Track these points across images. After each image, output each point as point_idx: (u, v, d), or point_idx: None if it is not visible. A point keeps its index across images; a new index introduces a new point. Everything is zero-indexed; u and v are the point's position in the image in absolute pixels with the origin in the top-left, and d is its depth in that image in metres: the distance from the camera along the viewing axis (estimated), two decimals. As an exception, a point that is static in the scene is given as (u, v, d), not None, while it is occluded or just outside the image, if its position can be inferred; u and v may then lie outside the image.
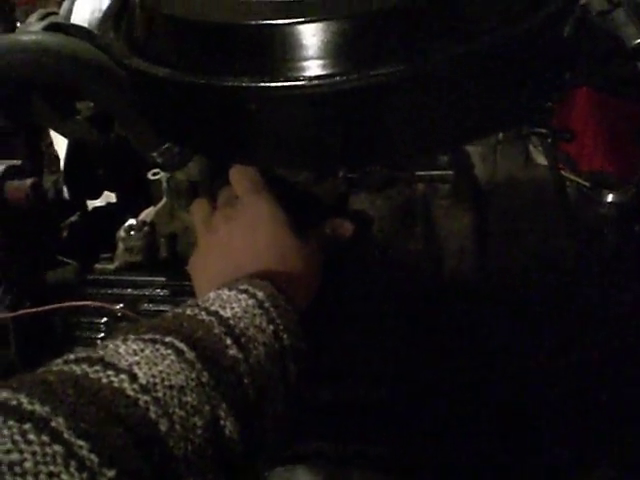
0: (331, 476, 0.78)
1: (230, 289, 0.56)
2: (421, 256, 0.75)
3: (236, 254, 0.66)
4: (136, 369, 0.44)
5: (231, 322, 0.52)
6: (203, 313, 0.52)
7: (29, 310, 0.73)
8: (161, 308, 0.76)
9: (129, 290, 0.78)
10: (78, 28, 0.81)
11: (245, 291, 0.56)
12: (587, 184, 0.77)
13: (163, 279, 0.78)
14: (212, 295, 0.56)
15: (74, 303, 0.74)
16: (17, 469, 0.34)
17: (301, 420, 0.71)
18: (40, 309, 0.72)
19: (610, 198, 0.76)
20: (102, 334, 0.77)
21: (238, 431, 0.47)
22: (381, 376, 0.75)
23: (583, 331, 0.72)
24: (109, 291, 0.78)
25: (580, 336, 0.72)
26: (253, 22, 0.58)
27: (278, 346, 0.54)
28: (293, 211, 0.69)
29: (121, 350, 0.46)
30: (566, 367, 0.72)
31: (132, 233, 0.79)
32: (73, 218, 0.94)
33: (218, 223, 0.69)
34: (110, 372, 0.43)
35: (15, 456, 0.35)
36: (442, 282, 0.75)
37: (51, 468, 0.35)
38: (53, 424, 0.37)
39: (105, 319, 0.77)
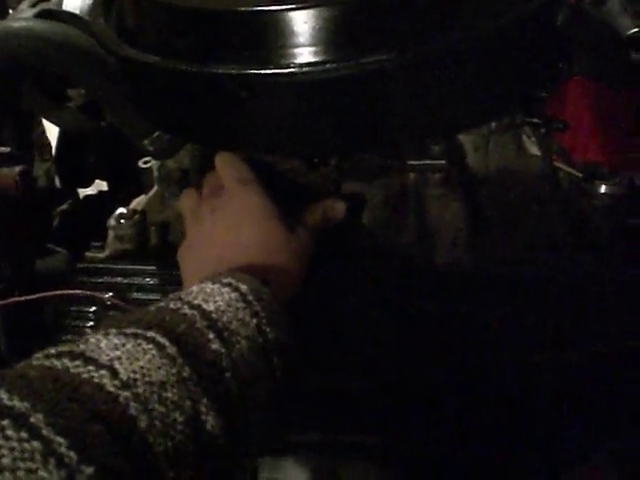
0: (321, 466, 0.78)
1: (214, 282, 0.56)
2: (413, 245, 0.75)
3: (221, 246, 0.65)
4: (117, 364, 0.44)
5: (214, 316, 0.52)
6: (186, 307, 0.52)
7: (18, 298, 0.73)
8: (151, 297, 0.76)
9: (119, 279, 0.77)
10: (70, 15, 0.80)
11: (228, 284, 0.56)
12: (580, 175, 0.77)
13: (153, 268, 0.77)
14: (195, 288, 0.56)
15: (64, 292, 0.74)
16: None
17: (290, 410, 0.71)
18: (29, 297, 0.72)
19: (603, 189, 0.76)
20: (91, 323, 0.76)
21: (220, 426, 0.47)
22: (372, 366, 0.75)
23: (577, 322, 0.72)
24: (99, 280, 0.78)
25: (575, 326, 0.72)
26: (244, 9, 0.58)
27: (262, 339, 0.54)
28: (283, 200, 0.68)
29: (102, 345, 0.45)
30: (562, 359, 0.72)
31: (123, 221, 0.79)
32: (64, 206, 0.94)
33: (204, 213, 0.69)
34: (91, 367, 0.42)
35: None
36: (434, 271, 0.75)
37: (29, 464, 0.35)
38: (32, 420, 0.37)
39: (94, 308, 0.76)
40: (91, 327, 0.75)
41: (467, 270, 0.75)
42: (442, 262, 0.75)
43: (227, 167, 0.70)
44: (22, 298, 0.71)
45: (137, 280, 0.77)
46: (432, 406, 0.75)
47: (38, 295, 0.71)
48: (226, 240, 0.65)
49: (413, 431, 0.76)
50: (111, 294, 0.75)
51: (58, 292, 0.73)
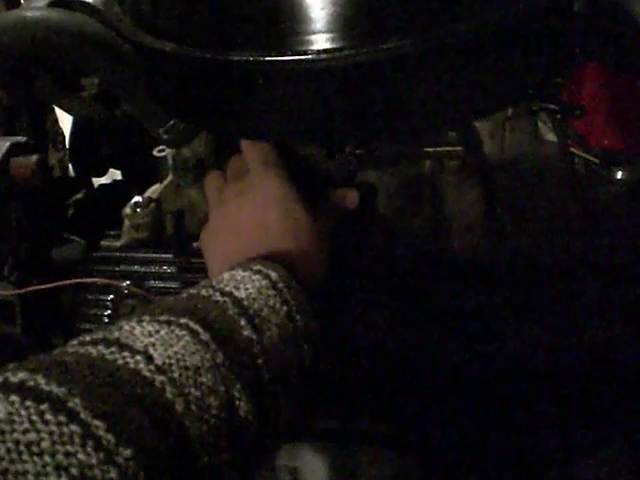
0: (338, 453, 0.78)
1: (244, 270, 0.56)
2: (429, 232, 0.75)
3: (246, 231, 0.65)
4: (152, 350, 0.44)
5: (245, 303, 0.52)
6: (217, 294, 0.52)
7: (36, 287, 0.73)
8: (168, 285, 0.76)
9: (136, 267, 0.78)
10: (83, 3, 0.80)
11: (259, 272, 0.56)
12: (596, 161, 0.76)
13: (170, 256, 0.78)
14: (226, 276, 0.56)
15: (81, 280, 0.74)
16: (34, 449, 0.34)
17: (310, 398, 0.71)
18: (47, 286, 0.72)
19: (620, 175, 0.75)
20: (108, 311, 0.76)
21: (252, 411, 0.47)
22: (387, 354, 0.75)
23: (593, 307, 0.72)
24: (116, 268, 0.78)
25: (590, 314, 0.72)
26: (261, -5, 0.57)
27: (292, 327, 0.54)
28: (303, 187, 0.68)
29: (136, 332, 0.46)
30: (577, 346, 0.72)
31: (138, 210, 0.79)
32: (79, 195, 0.94)
33: (229, 197, 0.69)
34: (126, 353, 0.43)
35: (32, 436, 0.35)
36: (450, 259, 0.74)
37: (68, 448, 0.35)
38: (70, 404, 0.37)
39: (111, 296, 0.77)
40: (108, 315, 0.76)
41: (483, 256, 0.75)
42: (458, 249, 0.75)
43: (252, 150, 0.70)
44: (40, 286, 0.72)
45: (154, 268, 0.78)
46: (449, 393, 0.75)
47: (56, 283, 0.71)
48: (251, 224, 0.65)
49: (430, 418, 0.76)
50: (128, 282, 0.75)
51: (76, 280, 0.73)
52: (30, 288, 0.73)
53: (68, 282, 0.73)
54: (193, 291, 0.54)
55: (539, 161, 0.76)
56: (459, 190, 0.75)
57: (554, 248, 0.74)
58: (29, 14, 0.68)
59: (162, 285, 0.76)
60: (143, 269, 0.78)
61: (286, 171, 0.68)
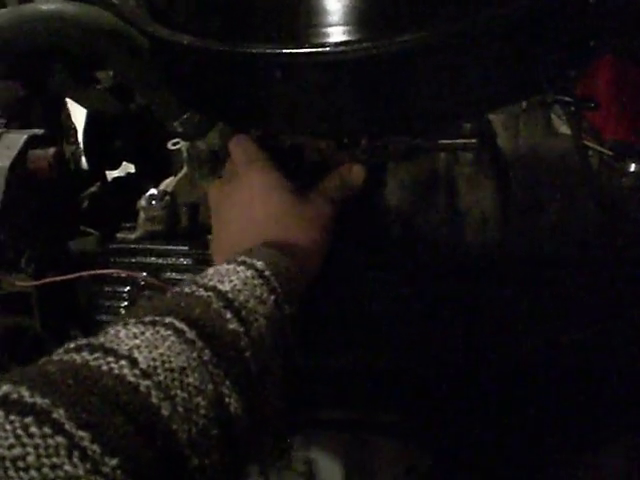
0: (351, 444, 0.78)
1: (229, 263, 0.56)
2: (443, 225, 0.75)
3: (237, 229, 0.66)
4: (136, 353, 0.43)
5: (230, 295, 0.52)
6: (201, 289, 0.52)
7: (53, 279, 0.73)
8: (184, 277, 0.77)
9: (152, 259, 0.78)
10: (98, -4, 0.80)
11: (243, 262, 0.55)
12: (610, 153, 0.76)
13: (185, 248, 0.78)
14: (210, 271, 0.56)
15: (98, 271, 0.74)
16: (20, 464, 0.34)
17: (320, 389, 0.72)
18: (64, 277, 0.72)
19: (633, 168, 0.75)
20: (125, 302, 0.77)
21: (242, 407, 0.47)
22: (401, 347, 0.75)
23: (606, 302, 0.72)
24: (132, 260, 0.78)
25: (604, 307, 0.72)
26: (278, -13, 0.58)
27: (279, 316, 0.54)
28: (312, 180, 0.69)
29: (121, 335, 0.45)
30: (591, 340, 0.72)
31: (153, 203, 0.80)
32: (93, 188, 0.94)
33: (220, 202, 0.70)
34: (110, 359, 0.42)
35: (18, 450, 0.35)
36: (464, 251, 0.75)
37: (54, 460, 0.35)
38: (54, 416, 0.37)
39: (128, 287, 0.77)
40: (125, 307, 0.76)
41: (497, 249, 0.75)
42: (472, 241, 0.75)
43: (236, 151, 0.70)
44: (58, 278, 0.72)
45: (169, 260, 0.78)
46: (458, 386, 0.75)
47: (74, 275, 0.72)
48: (240, 220, 0.66)
49: (441, 409, 0.76)
50: (145, 274, 0.76)
51: (94, 272, 0.73)
52: (47, 280, 0.73)
53: (85, 273, 0.73)
54: (177, 289, 0.53)
55: (553, 154, 0.76)
56: (473, 182, 0.75)
57: (567, 239, 0.75)
58: (44, 7, 0.68)
59: (178, 277, 0.77)
60: (159, 261, 0.78)
61: (267, 163, 0.68)
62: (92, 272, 0.74)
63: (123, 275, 0.75)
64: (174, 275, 0.77)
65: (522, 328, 0.73)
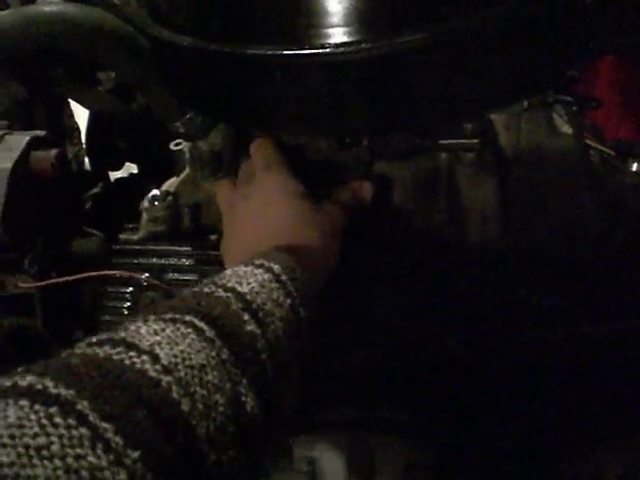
0: (353, 443, 0.79)
1: (246, 265, 0.56)
2: (444, 224, 0.75)
3: (253, 231, 0.66)
4: (157, 349, 0.44)
5: (248, 297, 0.52)
6: (220, 290, 0.52)
7: (55, 280, 0.74)
8: (187, 277, 0.77)
9: (155, 260, 0.79)
10: (100, -2, 0.80)
11: (261, 265, 0.56)
12: (612, 153, 0.76)
13: (188, 248, 0.78)
14: (228, 272, 0.56)
15: (100, 272, 0.75)
16: (45, 453, 0.35)
17: (321, 388, 0.72)
18: (67, 278, 0.73)
19: (635, 167, 0.76)
20: (128, 303, 0.77)
21: (259, 406, 0.47)
22: (403, 345, 0.75)
23: (608, 300, 0.72)
24: (134, 261, 0.79)
25: (605, 305, 0.72)
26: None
27: (295, 319, 0.54)
28: (315, 180, 0.69)
29: (142, 331, 0.46)
30: (592, 335, 0.72)
31: (156, 203, 0.80)
32: (96, 189, 0.95)
33: (237, 202, 0.70)
34: (132, 353, 0.43)
35: (42, 440, 0.35)
36: (465, 251, 0.75)
37: (78, 450, 0.35)
38: (79, 407, 0.37)
39: (131, 288, 0.78)
40: (128, 308, 0.77)
41: (498, 248, 0.75)
42: (473, 241, 0.75)
43: (256, 153, 0.71)
44: (60, 279, 0.72)
45: (173, 261, 0.78)
46: (463, 382, 0.75)
47: (77, 276, 0.72)
48: (257, 224, 0.66)
49: (444, 407, 0.76)
50: (147, 275, 0.76)
51: (97, 273, 0.73)
52: (50, 281, 0.73)
53: (88, 274, 0.74)
54: (196, 289, 0.53)
55: (555, 153, 0.76)
56: (475, 182, 0.75)
57: (569, 239, 0.75)
58: (47, 9, 0.68)
59: (180, 277, 0.77)
60: (161, 262, 0.78)
61: (286, 167, 0.69)
62: (95, 273, 0.74)
63: (126, 276, 0.76)
64: (177, 276, 0.77)
65: (524, 326, 0.73)
